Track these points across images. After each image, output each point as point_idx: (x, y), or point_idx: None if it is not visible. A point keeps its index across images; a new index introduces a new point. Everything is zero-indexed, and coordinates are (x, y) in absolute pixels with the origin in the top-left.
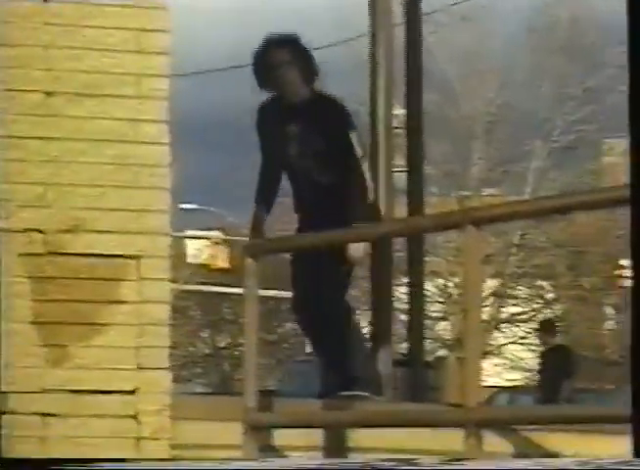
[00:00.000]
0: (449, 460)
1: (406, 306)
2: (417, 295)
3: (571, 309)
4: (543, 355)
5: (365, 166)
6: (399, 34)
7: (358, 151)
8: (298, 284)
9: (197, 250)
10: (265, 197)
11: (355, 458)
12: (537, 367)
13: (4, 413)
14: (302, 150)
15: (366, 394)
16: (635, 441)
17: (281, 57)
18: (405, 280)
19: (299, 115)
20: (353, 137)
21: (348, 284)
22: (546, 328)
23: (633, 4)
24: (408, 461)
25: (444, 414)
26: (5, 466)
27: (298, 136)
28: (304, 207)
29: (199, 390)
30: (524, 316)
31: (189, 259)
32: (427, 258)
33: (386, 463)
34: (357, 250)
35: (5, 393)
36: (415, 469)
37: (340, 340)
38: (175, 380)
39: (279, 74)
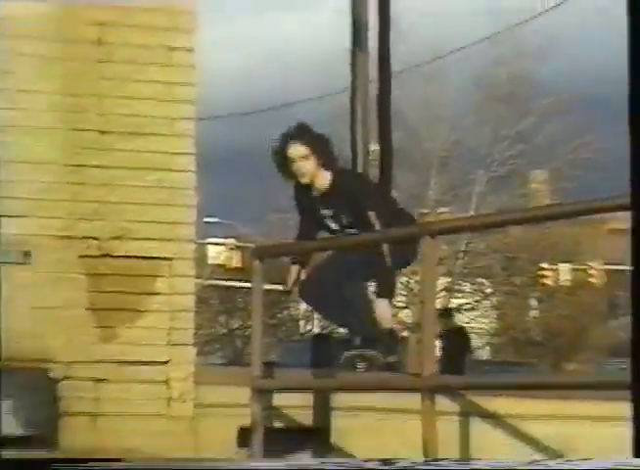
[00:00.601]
0: (429, 461)
1: None
2: None
3: (504, 301)
4: (444, 337)
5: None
6: (373, 88)
7: (376, 225)
8: (317, 272)
9: (216, 253)
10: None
11: (338, 459)
12: (441, 346)
13: (64, 379)
14: (334, 226)
15: (372, 352)
16: (635, 441)
17: (295, 151)
18: None
19: (326, 199)
20: (372, 215)
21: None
22: (445, 315)
23: (633, 4)
24: (389, 461)
25: (406, 381)
26: (6, 466)
27: (330, 217)
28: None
29: (217, 362)
30: (468, 306)
31: (210, 261)
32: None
33: (368, 464)
34: (385, 312)
35: (67, 363)
36: (396, 469)
37: (354, 311)
38: (198, 354)
39: (297, 167)
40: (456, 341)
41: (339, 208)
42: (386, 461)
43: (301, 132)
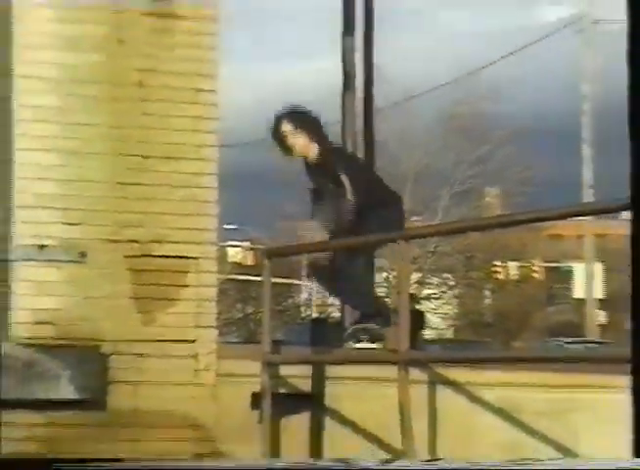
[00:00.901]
0: (428, 461)
1: None
2: None
3: (464, 292)
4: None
5: (350, 197)
6: (360, 122)
7: (347, 188)
8: (323, 259)
9: (234, 253)
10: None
11: (336, 459)
12: None
13: (112, 354)
14: (325, 194)
15: (375, 326)
16: (635, 441)
17: (286, 128)
18: None
19: (316, 169)
20: (345, 179)
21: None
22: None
23: (633, 4)
24: (389, 461)
25: (385, 356)
26: (6, 466)
27: (321, 186)
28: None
29: (234, 340)
30: (435, 296)
31: (229, 259)
32: (376, 259)
33: (368, 464)
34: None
35: (114, 341)
36: (396, 468)
37: (357, 289)
38: (219, 334)
39: (289, 142)
40: (414, 319)
41: (322, 176)
42: (385, 461)
43: (290, 111)
